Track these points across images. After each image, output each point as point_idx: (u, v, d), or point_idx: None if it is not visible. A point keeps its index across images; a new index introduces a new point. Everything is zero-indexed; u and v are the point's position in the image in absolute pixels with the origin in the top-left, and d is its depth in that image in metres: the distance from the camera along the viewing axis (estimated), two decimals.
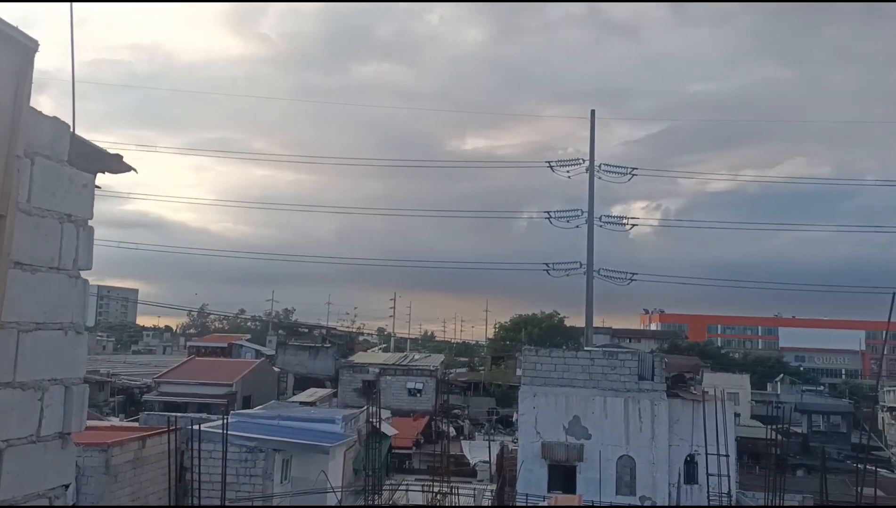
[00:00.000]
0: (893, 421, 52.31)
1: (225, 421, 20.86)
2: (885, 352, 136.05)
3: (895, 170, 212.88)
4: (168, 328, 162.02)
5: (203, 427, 21.97)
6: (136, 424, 30.77)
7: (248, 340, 77.19)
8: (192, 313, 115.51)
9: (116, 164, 4.14)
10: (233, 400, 43.83)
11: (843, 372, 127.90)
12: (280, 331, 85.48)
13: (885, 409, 55.59)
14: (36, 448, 3.47)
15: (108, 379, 56.87)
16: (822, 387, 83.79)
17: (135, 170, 4.24)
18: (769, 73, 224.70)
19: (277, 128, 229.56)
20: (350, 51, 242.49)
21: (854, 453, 38.62)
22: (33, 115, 3.45)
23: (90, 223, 3.85)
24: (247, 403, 43.32)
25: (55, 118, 3.62)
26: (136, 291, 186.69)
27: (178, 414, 36.37)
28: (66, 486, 3.65)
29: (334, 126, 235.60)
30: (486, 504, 24.87)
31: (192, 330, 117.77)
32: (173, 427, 22.09)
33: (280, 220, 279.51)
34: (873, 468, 37.18)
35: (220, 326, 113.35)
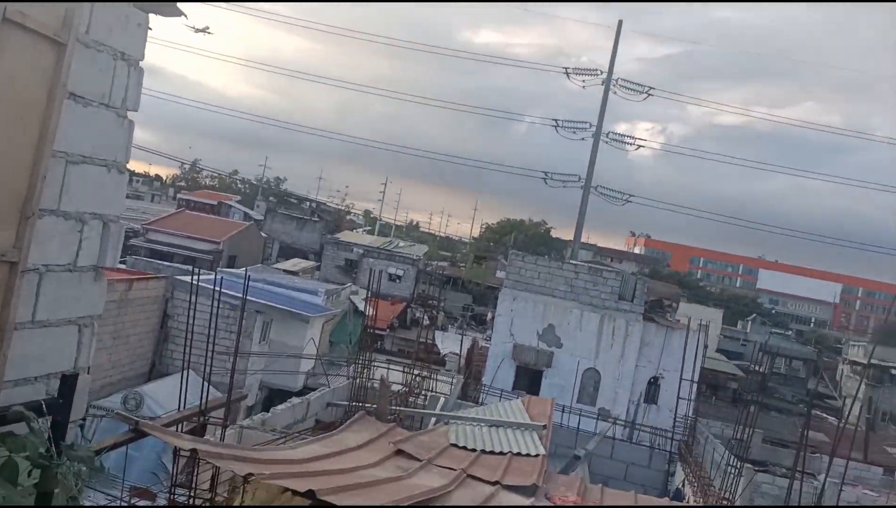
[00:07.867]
0: (852, 374, 54.15)
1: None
2: (857, 308, 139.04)
3: None
4: (158, 177, 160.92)
5: (192, 278, 22.31)
6: (123, 266, 31.19)
7: (237, 202, 77.13)
8: (184, 166, 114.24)
9: (168, 8, 4.07)
10: (219, 257, 44.19)
11: (813, 320, 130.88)
12: (270, 198, 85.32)
13: (846, 362, 57.46)
14: (72, 277, 3.59)
15: None
16: (790, 332, 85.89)
17: (185, 14, 4.17)
18: (796, 11, 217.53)
19: None
20: None
21: (808, 398, 40.17)
22: None
23: (141, 64, 3.82)
24: (231, 262, 43.72)
25: None
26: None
27: (165, 263, 36.99)
28: (97, 316, 3.79)
29: None
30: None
31: (181, 183, 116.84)
32: (160, 275, 22.46)
33: (281, 86, 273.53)
34: (823, 414, 38.84)
35: (211, 183, 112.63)
